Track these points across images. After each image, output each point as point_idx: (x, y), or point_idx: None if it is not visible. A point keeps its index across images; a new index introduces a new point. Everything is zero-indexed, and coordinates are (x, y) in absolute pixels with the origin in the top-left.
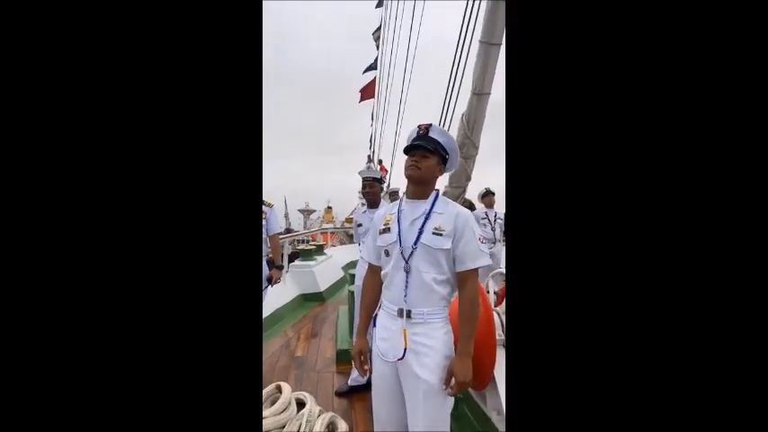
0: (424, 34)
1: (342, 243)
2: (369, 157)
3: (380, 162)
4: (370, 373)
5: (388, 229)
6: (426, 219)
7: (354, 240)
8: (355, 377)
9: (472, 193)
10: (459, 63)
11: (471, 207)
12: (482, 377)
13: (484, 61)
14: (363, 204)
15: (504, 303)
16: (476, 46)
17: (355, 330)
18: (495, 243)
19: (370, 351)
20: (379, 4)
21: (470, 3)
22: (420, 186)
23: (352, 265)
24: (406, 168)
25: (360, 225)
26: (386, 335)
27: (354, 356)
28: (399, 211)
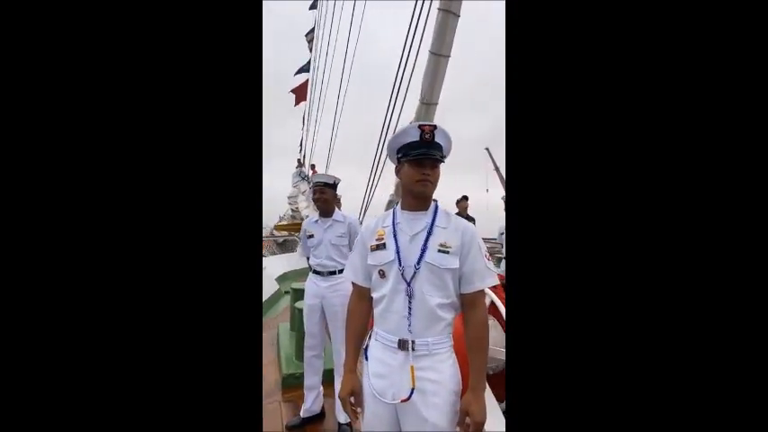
0: (361, 36)
1: (273, 253)
2: (299, 161)
3: (313, 167)
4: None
5: (383, 245)
6: (429, 234)
7: (302, 252)
8: (309, 407)
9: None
10: (404, 71)
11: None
12: None
13: (433, 72)
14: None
15: None
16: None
17: (339, 366)
18: None
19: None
20: (313, 6)
21: (417, 11)
22: (423, 199)
23: (287, 277)
24: (416, 183)
25: (311, 236)
26: (383, 371)
27: (344, 400)
28: (395, 225)
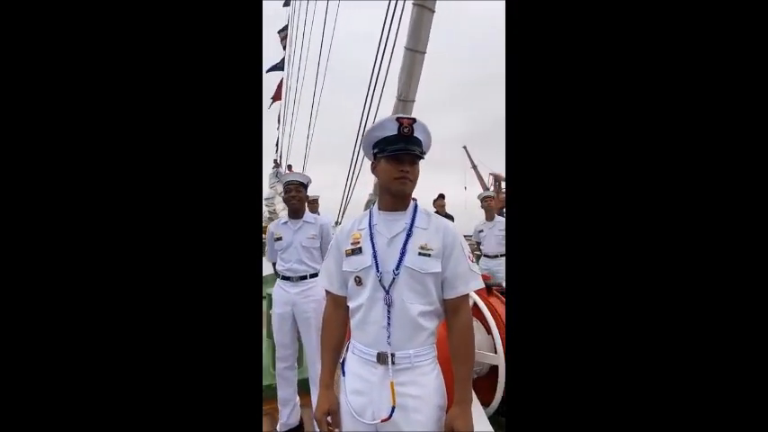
0: (336, 33)
1: None
2: (275, 161)
3: (290, 167)
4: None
5: (359, 249)
6: (409, 236)
7: (267, 257)
8: (285, 421)
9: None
10: (380, 67)
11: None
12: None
13: (409, 68)
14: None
15: None
16: (391, 50)
17: (315, 378)
18: None
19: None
20: (287, 4)
21: (392, 6)
22: (402, 197)
23: (266, 281)
24: (394, 181)
25: (279, 239)
26: (361, 387)
27: (320, 420)
28: (371, 227)
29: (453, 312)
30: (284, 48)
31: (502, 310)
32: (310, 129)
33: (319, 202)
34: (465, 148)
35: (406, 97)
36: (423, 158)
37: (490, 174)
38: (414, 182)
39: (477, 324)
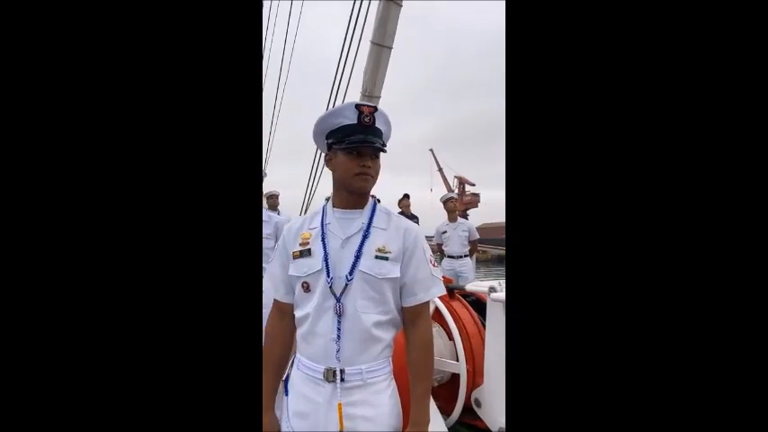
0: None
1: None
2: None
3: None
4: None
5: (308, 251)
6: (365, 237)
7: None
8: None
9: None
10: (345, 62)
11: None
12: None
13: (375, 63)
14: None
15: None
16: (357, 44)
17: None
18: None
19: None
20: None
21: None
22: (361, 195)
23: None
24: (354, 177)
25: None
26: (305, 409)
27: None
28: (324, 226)
29: (412, 322)
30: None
31: (464, 314)
32: (272, 125)
33: (279, 199)
34: (431, 150)
35: (371, 93)
36: (384, 152)
37: (455, 176)
38: (375, 178)
39: (438, 330)
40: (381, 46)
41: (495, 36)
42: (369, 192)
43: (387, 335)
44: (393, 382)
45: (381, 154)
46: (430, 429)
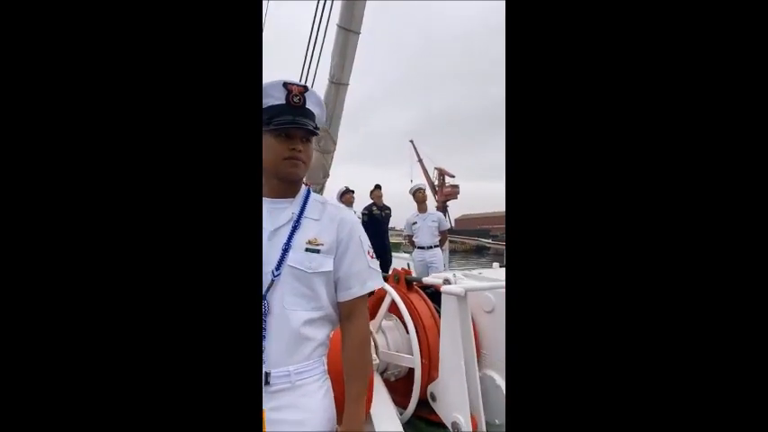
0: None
1: None
2: None
3: None
4: None
5: None
6: (295, 228)
7: None
8: None
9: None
10: (313, 48)
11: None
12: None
13: (342, 48)
14: None
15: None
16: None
17: None
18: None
19: None
20: None
21: None
22: (292, 182)
23: None
24: (284, 161)
25: None
26: None
27: None
28: None
29: (347, 318)
30: None
31: (422, 307)
32: None
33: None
34: (412, 142)
35: (339, 80)
36: (317, 135)
37: (435, 168)
38: (306, 164)
39: (395, 323)
40: (348, 30)
41: (473, 22)
42: (300, 178)
43: (319, 333)
44: (327, 382)
45: (315, 139)
46: (383, 425)
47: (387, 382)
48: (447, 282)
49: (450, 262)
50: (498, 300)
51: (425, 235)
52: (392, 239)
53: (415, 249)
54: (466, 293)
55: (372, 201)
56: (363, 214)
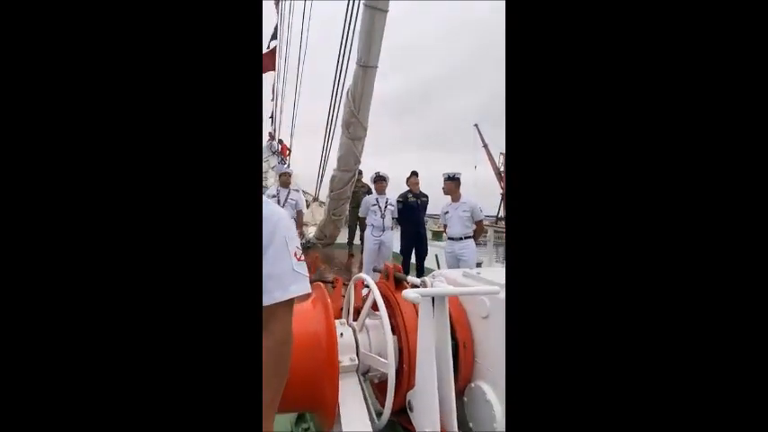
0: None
1: None
2: (270, 134)
3: (281, 142)
4: None
5: None
6: None
7: None
8: None
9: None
10: (348, 26)
11: (369, 192)
12: (328, 415)
13: (369, 29)
14: None
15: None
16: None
17: None
18: (383, 231)
19: None
20: None
21: None
22: None
23: None
24: None
25: None
26: None
27: None
28: None
29: (265, 324)
30: (278, 13)
31: (408, 307)
32: (296, 99)
33: (292, 178)
34: (476, 126)
35: (366, 63)
36: None
37: (501, 153)
38: None
39: (378, 323)
40: (374, 9)
41: None
42: None
43: None
44: None
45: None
46: (351, 426)
47: (372, 383)
48: (424, 284)
49: (495, 255)
50: (493, 305)
51: (456, 225)
52: (433, 228)
53: (446, 240)
54: (434, 299)
55: (408, 188)
56: (398, 202)
